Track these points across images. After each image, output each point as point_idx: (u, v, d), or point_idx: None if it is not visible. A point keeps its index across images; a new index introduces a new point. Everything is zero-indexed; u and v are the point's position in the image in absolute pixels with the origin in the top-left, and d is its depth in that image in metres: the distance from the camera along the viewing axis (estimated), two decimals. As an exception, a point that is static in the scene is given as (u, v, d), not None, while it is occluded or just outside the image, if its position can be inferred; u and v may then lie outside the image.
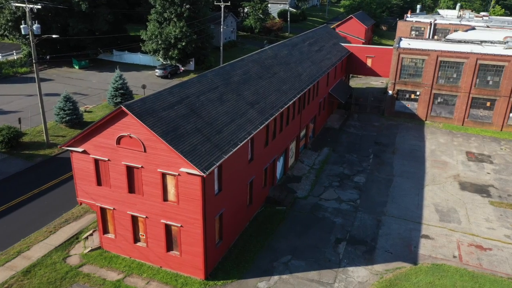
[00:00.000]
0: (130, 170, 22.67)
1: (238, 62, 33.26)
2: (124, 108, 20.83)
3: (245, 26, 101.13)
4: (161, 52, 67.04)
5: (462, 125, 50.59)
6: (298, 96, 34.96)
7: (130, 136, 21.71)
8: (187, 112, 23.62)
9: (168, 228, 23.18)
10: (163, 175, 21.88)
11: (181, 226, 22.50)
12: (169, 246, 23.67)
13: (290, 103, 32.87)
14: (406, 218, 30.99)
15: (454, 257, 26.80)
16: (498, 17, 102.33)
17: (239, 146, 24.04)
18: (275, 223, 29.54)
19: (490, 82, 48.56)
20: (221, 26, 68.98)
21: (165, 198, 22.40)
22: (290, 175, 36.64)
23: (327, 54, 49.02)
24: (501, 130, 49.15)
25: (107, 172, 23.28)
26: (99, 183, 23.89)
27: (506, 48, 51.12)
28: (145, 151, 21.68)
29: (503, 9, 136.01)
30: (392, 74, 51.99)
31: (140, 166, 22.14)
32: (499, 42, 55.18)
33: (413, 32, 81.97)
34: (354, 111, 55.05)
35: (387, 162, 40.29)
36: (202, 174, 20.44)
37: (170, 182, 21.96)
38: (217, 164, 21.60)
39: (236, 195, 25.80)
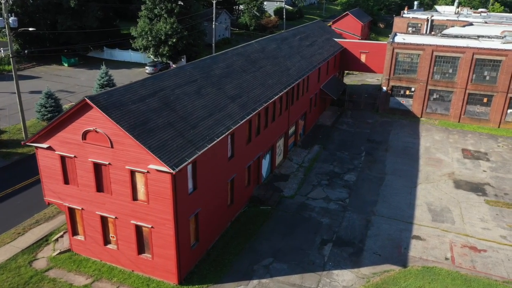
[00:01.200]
0: (97, 167, 21.21)
1: (221, 55, 31.80)
2: (88, 101, 19.37)
3: (240, 24, 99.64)
4: (151, 49, 65.59)
5: (459, 122, 49.06)
6: (285, 91, 33.48)
7: (96, 131, 20.25)
8: (160, 105, 22.15)
9: (138, 229, 21.70)
10: (132, 173, 20.41)
11: (152, 227, 21.03)
12: (141, 249, 22.20)
13: (276, 98, 31.39)
14: (397, 218, 29.49)
15: (446, 259, 25.30)
16: (497, 13, 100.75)
17: (215, 141, 22.56)
18: (258, 223, 28.05)
19: (487, 78, 47.04)
20: (213, 23, 67.52)
21: (134, 197, 20.93)
22: (277, 173, 35.16)
23: (318, 49, 47.54)
24: (499, 127, 47.62)
25: (74, 169, 21.82)
26: (66, 181, 22.42)
27: (504, 43, 49.63)
28: (112, 146, 20.21)
29: (503, 7, 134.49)
30: (386, 69, 50.48)
31: (107, 163, 20.67)
32: (497, 37, 53.67)
33: (410, 29, 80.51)
34: (347, 108, 53.57)
35: (380, 160, 38.79)
36: (172, 171, 18.97)
37: (139, 180, 20.50)
38: (189, 161, 20.13)
39: (214, 194, 24.31)
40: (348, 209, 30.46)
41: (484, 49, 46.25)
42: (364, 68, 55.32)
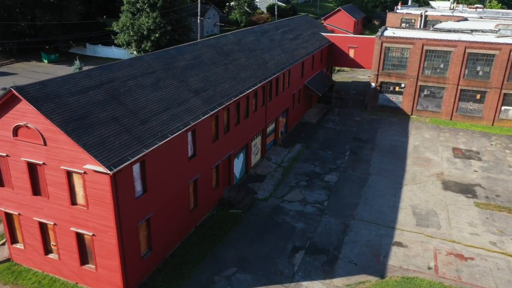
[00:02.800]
0: (31, 167, 18.82)
1: (189, 46, 29.43)
2: (14, 92, 16.99)
3: (230, 20, 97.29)
4: (133, 45, 63.25)
5: (451, 119, 46.70)
6: (260, 85, 31.12)
7: (27, 126, 17.86)
8: (106, 98, 19.77)
9: (79, 237, 19.31)
10: (68, 174, 18.03)
11: (93, 235, 18.65)
12: (84, 259, 19.81)
13: (248, 92, 29.01)
14: (378, 222, 27.11)
15: (429, 268, 22.93)
16: (493, 9, 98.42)
17: (169, 138, 20.18)
18: (226, 228, 25.66)
19: (480, 73, 44.68)
20: (198, 17, 65.13)
21: (73, 201, 18.55)
22: (252, 173, 32.76)
23: (303, 43, 45.16)
24: (492, 124, 45.26)
25: (8, 170, 19.43)
26: (0, 183, 20.02)
27: (498, 36, 47.29)
28: (45, 144, 17.83)
29: (500, 4, 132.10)
30: (375, 65, 48.12)
31: (41, 162, 18.28)
32: (491, 31, 51.32)
33: (403, 24, 78.14)
34: (335, 106, 51.20)
35: (364, 159, 36.41)
36: (109, 171, 16.59)
37: (77, 182, 18.11)
38: (133, 160, 17.76)
39: (171, 196, 21.92)
40: (325, 212, 28.08)
41: (477, 42, 43.90)
42: (353, 64, 52.93)
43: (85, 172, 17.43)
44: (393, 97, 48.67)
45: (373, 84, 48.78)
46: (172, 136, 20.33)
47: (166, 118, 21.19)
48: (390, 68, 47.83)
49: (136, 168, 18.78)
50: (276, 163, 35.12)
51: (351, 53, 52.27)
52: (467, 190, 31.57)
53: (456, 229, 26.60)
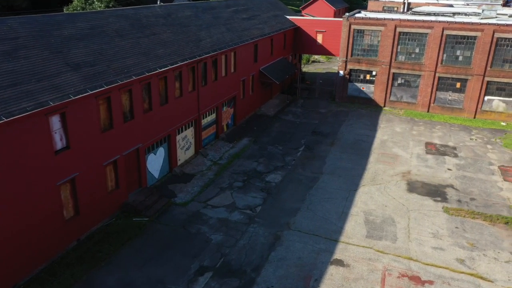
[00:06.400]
0: None
1: (90, 13, 23.76)
2: None
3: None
4: (85, 32, 57.44)
5: (428, 111, 41.23)
6: (185, 64, 25.50)
7: None
8: None
9: None
10: None
11: None
12: None
13: (163, 71, 23.37)
14: (319, 233, 21.53)
15: (373, 296, 17.41)
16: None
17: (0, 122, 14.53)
18: (119, 243, 20.02)
19: (460, 58, 39.20)
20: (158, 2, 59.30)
21: None
22: (178, 172, 27.11)
23: (259, 24, 39.56)
24: (474, 117, 39.78)
25: None
26: None
27: (482, 18, 41.86)
28: None
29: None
30: (343, 50, 42.60)
31: None
32: (474, 14, 45.95)
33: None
34: (300, 97, 45.69)
35: (320, 156, 30.87)
36: None
37: None
38: None
39: (21, 202, 16.25)
40: (255, 220, 22.48)
41: (456, 23, 38.42)
42: (322, 50, 47.35)
43: None
44: (363, 87, 43.15)
45: (341, 72, 43.28)
46: (6, 120, 14.66)
47: (7, 95, 15.53)
48: (360, 53, 42.32)
49: None
50: (213, 160, 29.53)
51: (319, 39, 46.70)
52: (436, 192, 26.07)
53: (416, 242, 21.06)
